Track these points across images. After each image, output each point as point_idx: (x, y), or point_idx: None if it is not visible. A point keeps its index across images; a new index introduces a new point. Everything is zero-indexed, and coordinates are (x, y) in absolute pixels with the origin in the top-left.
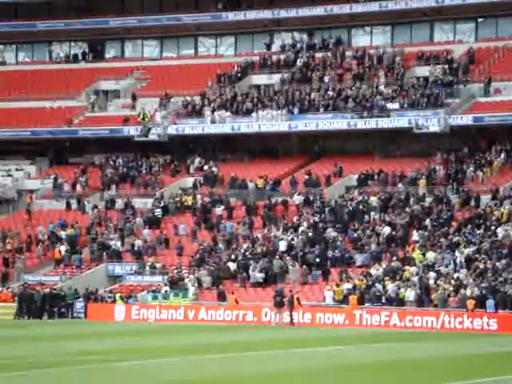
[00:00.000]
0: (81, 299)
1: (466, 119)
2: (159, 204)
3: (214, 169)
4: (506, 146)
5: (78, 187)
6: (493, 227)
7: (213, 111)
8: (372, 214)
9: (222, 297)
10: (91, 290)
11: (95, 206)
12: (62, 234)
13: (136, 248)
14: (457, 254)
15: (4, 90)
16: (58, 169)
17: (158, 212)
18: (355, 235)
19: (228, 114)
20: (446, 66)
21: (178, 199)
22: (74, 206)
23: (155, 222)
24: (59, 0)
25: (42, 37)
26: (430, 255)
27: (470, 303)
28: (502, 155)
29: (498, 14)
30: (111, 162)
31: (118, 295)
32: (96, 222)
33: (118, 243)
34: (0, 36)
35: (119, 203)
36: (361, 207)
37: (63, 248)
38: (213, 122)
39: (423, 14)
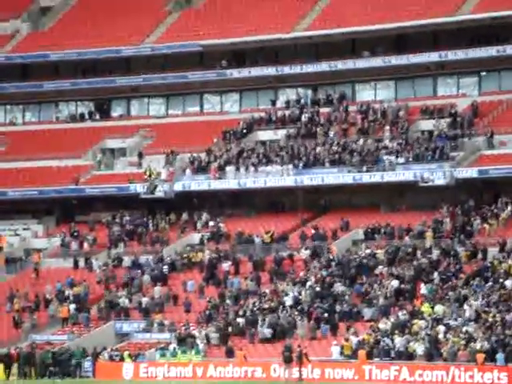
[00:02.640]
0: (89, 358)
1: (471, 172)
2: (166, 261)
3: (221, 225)
4: (511, 198)
5: (86, 245)
6: (501, 280)
7: (219, 167)
8: (379, 267)
9: (230, 353)
10: (98, 348)
11: (103, 264)
12: (70, 292)
13: (144, 305)
14: (465, 307)
15: (12, 151)
16: (65, 227)
17: (166, 269)
18: (363, 289)
19: (233, 169)
20: (450, 120)
21: (185, 256)
22: (82, 264)
23: (163, 278)
24: (66, 61)
25: (49, 97)
26: (439, 308)
27: (480, 357)
28: (509, 207)
29: (500, 67)
30: (118, 220)
31: (126, 353)
32: (103, 279)
33: (126, 301)
34: (8, 97)
35: (126, 260)
36: (368, 261)
37: (72, 307)
38: (219, 178)
39: (426, 68)
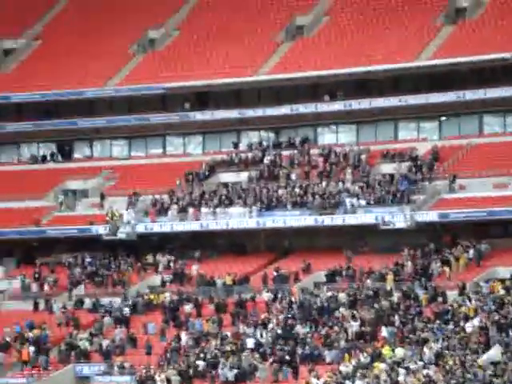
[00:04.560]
0: None
1: (432, 215)
2: (128, 303)
3: (183, 266)
4: (471, 241)
5: (46, 287)
6: (461, 323)
7: (181, 209)
8: (341, 309)
9: None
10: None
11: (63, 306)
12: (29, 334)
13: (104, 348)
14: (425, 349)
15: None
16: (25, 269)
17: (127, 311)
18: (324, 332)
19: (195, 211)
20: (411, 164)
21: (146, 297)
22: (42, 306)
23: (124, 320)
24: (28, 102)
25: (11, 138)
26: (399, 351)
27: None
28: (468, 251)
29: (460, 112)
30: (79, 261)
31: None
32: (64, 322)
33: (86, 343)
34: None
35: (87, 302)
36: (329, 303)
37: (31, 349)
38: (181, 220)
39: (387, 112)
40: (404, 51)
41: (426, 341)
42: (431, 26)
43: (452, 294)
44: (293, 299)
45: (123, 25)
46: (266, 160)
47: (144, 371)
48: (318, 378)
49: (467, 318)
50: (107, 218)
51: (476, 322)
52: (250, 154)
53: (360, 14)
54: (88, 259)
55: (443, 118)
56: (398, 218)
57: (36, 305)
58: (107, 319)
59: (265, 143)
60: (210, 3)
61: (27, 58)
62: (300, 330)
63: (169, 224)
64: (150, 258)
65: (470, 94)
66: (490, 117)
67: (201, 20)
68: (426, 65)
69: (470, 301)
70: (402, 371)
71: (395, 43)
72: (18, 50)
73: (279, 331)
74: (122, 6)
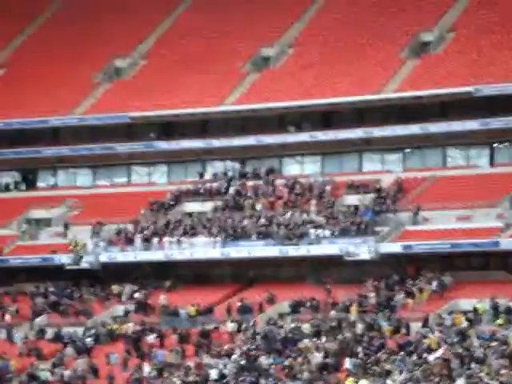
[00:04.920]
0: None
1: (396, 247)
2: (90, 333)
3: (146, 296)
4: (435, 273)
5: (8, 317)
6: (424, 354)
7: (145, 239)
8: (304, 341)
9: None
10: None
11: (25, 336)
12: None
13: (66, 378)
14: (389, 381)
15: None
16: None
17: (89, 341)
18: (288, 363)
19: (160, 241)
20: (375, 195)
21: (109, 327)
22: (3, 336)
23: (86, 351)
24: None
25: None
26: (363, 383)
27: None
28: (431, 283)
29: (424, 145)
30: (42, 291)
31: None
32: (25, 352)
33: (48, 374)
34: None
35: (49, 332)
36: (293, 334)
37: None
38: (145, 249)
39: (352, 144)
40: (369, 84)
41: (389, 372)
42: (396, 59)
43: (415, 326)
44: (257, 330)
45: (89, 53)
46: (232, 190)
47: None
48: None
49: (430, 350)
50: (71, 247)
51: (439, 354)
52: (215, 184)
53: (325, 46)
54: (51, 289)
55: (407, 150)
56: (362, 249)
57: None
58: (69, 349)
59: (230, 173)
60: (177, 33)
61: None
62: (264, 361)
63: (133, 254)
64: (116, 288)
65: (434, 127)
66: (454, 149)
67: (167, 49)
68: (390, 97)
69: (433, 333)
70: None
71: (360, 75)
72: None
73: (243, 362)
74: (88, 35)
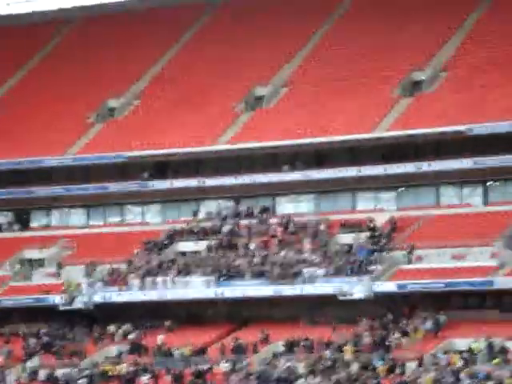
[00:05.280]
0: None
1: (390, 286)
2: (84, 374)
3: (140, 337)
4: (429, 312)
5: (0, 358)
6: None
7: (139, 278)
8: (299, 381)
9: None
10: None
11: (17, 378)
12: None
13: None
14: None
15: None
16: None
17: (83, 382)
18: None
19: (154, 280)
20: (369, 234)
21: (102, 368)
22: None
23: None
24: None
25: None
26: None
27: None
28: (426, 322)
29: (417, 183)
30: (35, 332)
31: None
32: None
33: None
34: None
35: (42, 374)
36: (288, 374)
37: None
38: (139, 289)
39: (345, 182)
40: (362, 122)
41: None
42: (388, 97)
43: (410, 366)
44: (251, 370)
45: (82, 93)
46: (225, 229)
47: None
48: None
49: None
50: (64, 288)
51: None
52: (208, 223)
53: (318, 85)
54: (44, 330)
55: (401, 189)
56: (356, 288)
57: None
58: None
59: (224, 212)
60: (170, 73)
61: None
62: None
63: (126, 294)
64: (111, 329)
65: (427, 166)
66: (447, 188)
67: (161, 89)
68: (383, 136)
69: (428, 373)
70: None
71: (353, 114)
72: None
73: None
74: (81, 76)
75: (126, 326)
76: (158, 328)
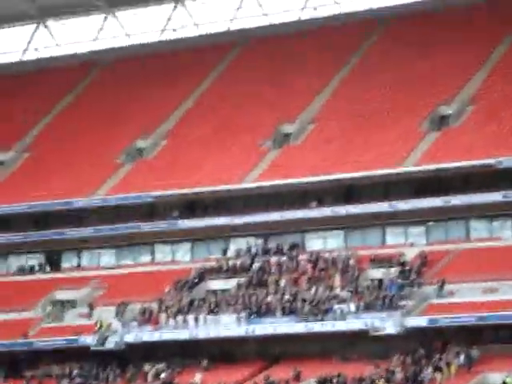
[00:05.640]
0: None
1: (421, 321)
2: None
3: (172, 376)
4: (461, 347)
5: None
6: None
7: (170, 317)
8: None
9: None
10: None
11: None
12: None
13: None
14: None
15: None
16: (13, 382)
17: None
18: None
19: (185, 319)
20: (399, 269)
21: None
22: None
23: None
24: (17, 213)
25: (0, 249)
26: None
27: None
28: (459, 356)
29: (446, 217)
30: (67, 373)
31: None
32: None
33: None
34: None
35: None
36: None
37: None
38: (170, 328)
39: (375, 217)
40: (390, 157)
41: None
42: (416, 131)
43: None
44: None
45: (111, 134)
46: (255, 266)
47: None
48: None
49: None
50: (96, 328)
51: None
52: (238, 261)
53: (345, 120)
54: (76, 370)
55: (430, 223)
56: (387, 323)
57: None
58: None
59: (253, 249)
60: (197, 112)
61: (16, 170)
62: None
63: (157, 333)
64: (143, 368)
65: (456, 200)
66: (477, 222)
67: (188, 128)
68: (411, 170)
69: None
70: None
71: (381, 149)
72: (7, 162)
73: None
74: (110, 117)
75: (159, 366)
76: (190, 367)
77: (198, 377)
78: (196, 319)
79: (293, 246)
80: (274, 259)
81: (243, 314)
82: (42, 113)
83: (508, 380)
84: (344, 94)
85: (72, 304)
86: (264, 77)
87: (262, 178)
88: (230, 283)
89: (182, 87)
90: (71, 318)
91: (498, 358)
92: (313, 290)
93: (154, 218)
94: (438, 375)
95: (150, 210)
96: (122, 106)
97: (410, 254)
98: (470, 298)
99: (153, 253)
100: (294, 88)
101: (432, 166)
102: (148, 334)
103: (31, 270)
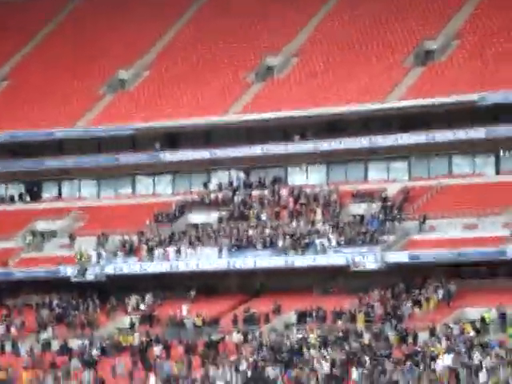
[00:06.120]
0: None
1: (402, 256)
2: (96, 345)
3: (152, 308)
4: (441, 282)
5: (13, 329)
6: (431, 364)
7: (150, 250)
8: (311, 351)
9: None
10: None
11: (30, 349)
12: None
13: None
14: None
15: None
16: None
17: (95, 353)
18: (294, 373)
19: (165, 252)
20: (381, 204)
21: (114, 339)
22: (9, 348)
23: (92, 363)
24: None
25: None
26: None
27: None
28: (438, 291)
29: (429, 153)
30: (47, 303)
31: None
32: (30, 365)
33: None
34: None
35: (55, 345)
36: (300, 345)
37: None
38: (150, 260)
39: (357, 153)
40: (373, 92)
41: (396, 382)
42: (400, 67)
43: (422, 335)
44: (263, 341)
45: (93, 65)
46: (236, 200)
47: None
48: None
49: (437, 360)
50: (76, 259)
51: (446, 363)
52: (220, 194)
53: (329, 54)
54: (56, 301)
55: (413, 159)
56: (368, 258)
57: (2, 347)
58: (75, 362)
59: (235, 183)
60: (180, 44)
61: None
62: (270, 371)
63: (138, 265)
64: (123, 300)
65: (439, 135)
66: (459, 158)
67: (170, 61)
68: (395, 106)
69: (440, 342)
70: None
71: (364, 84)
72: None
73: (249, 373)
74: (91, 47)
75: (139, 297)
76: (171, 299)
77: (184, 308)
78: (177, 252)
79: (275, 180)
80: (255, 193)
81: (224, 248)
82: (21, 43)
83: (486, 315)
84: (329, 27)
85: (52, 234)
86: (249, 10)
87: (244, 111)
88: (212, 216)
89: (164, 18)
90: (51, 248)
91: (477, 294)
92: (294, 224)
93: (136, 150)
94: (417, 310)
95: (132, 142)
96: (103, 36)
97: (392, 190)
98: (450, 234)
99: (134, 185)
100: (278, 21)
101: (415, 102)
102: (128, 266)
103: (11, 200)
